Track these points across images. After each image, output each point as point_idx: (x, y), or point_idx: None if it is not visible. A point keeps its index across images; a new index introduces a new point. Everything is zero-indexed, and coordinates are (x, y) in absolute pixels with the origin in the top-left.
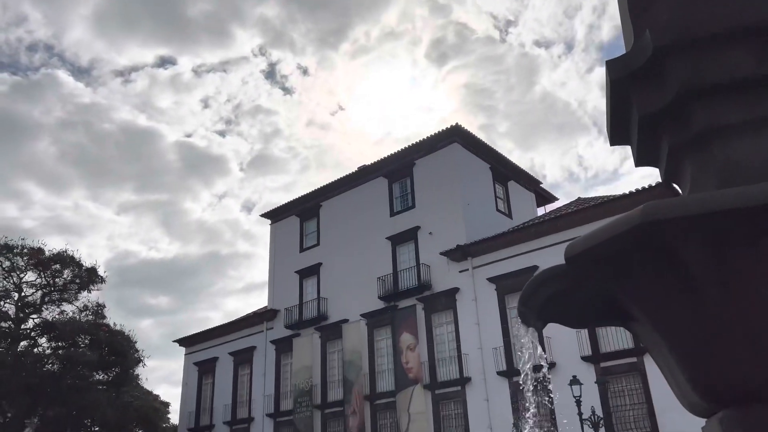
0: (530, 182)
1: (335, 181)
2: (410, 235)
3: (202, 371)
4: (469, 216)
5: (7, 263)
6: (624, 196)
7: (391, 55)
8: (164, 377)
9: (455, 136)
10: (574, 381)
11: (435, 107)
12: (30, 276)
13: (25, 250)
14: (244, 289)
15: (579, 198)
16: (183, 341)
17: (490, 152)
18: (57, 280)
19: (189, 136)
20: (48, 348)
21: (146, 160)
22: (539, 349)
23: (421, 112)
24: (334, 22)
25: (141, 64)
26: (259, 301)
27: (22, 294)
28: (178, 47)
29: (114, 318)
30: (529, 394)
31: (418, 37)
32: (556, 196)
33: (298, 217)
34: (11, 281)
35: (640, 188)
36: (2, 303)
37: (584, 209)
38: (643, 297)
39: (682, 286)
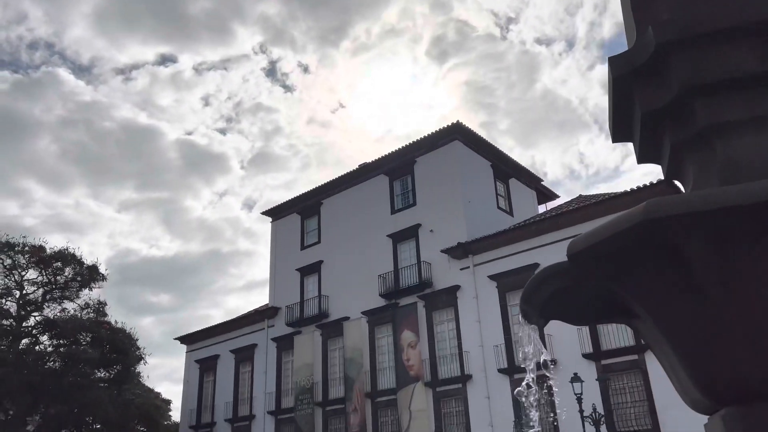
0: (531, 180)
1: (336, 178)
2: (411, 233)
3: (204, 369)
4: (470, 213)
5: (9, 261)
6: (625, 194)
7: (391, 52)
8: (165, 375)
9: (456, 133)
10: (576, 378)
11: (436, 105)
12: (31, 274)
13: (27, 248)
14: (245, 287)
15: (580, 195)
16: (184, 339)
17: (491, 150)
18: (58, 277)
19: (190, 134)
20: (49, 346)
21: (147, 158)
22: (541, 346)
23: (422, 109)
24: (334, 19)
25: (141, 62)
26: (260, 298)
27: (24, 292)
28: (179, 45)
29: (115, 316)
30: (532, 391)
31: (418, 35)
32: (557, 193)
33: (299, 214)
34: (13, 279)
35: (641, 186)
36: (4, 301)
37: (585, 207)
38: (646, 294)
39: (684, 284)
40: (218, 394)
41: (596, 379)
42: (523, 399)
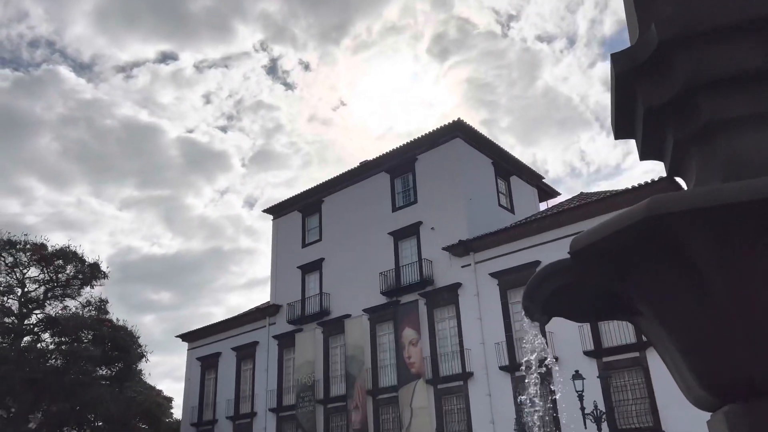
0: (532, 177)
1: (337, 176)
2: (412, 231)
3: (205, 366)
4: (471, 211)
5: (10, 259)
6: (626, 191)
7: (392, 50)
8: (167, 372)
9: (457, 131)
10: (577, 376)
11: (437, 102)
12: (33, 272)
13: (28, 246)
14: (247, 284)
15: (581, 193)
16: (186, 336)
17: (492, 147)
18: (60, 275)
19: (191, 131)
20: (51, 343)
21: (148, 156)
22: (543, 343)
23: (423, 107)
24: (335, 17)
25: (142, 60)
26: (262, 296)
27: (25, 290)
28: (180, 43)
29: (117, 313)
30: (533, 388)
31: (419, 32)
32: (559, 191)
33: (300, 212)
34: (14, 277)
35: (642, 183)
36: (5, 299)
37: (586, 204)
38: (648, 291)
39: (687, 280)
40: (220, 391)
41: (597, 377)
42: (525, 398)
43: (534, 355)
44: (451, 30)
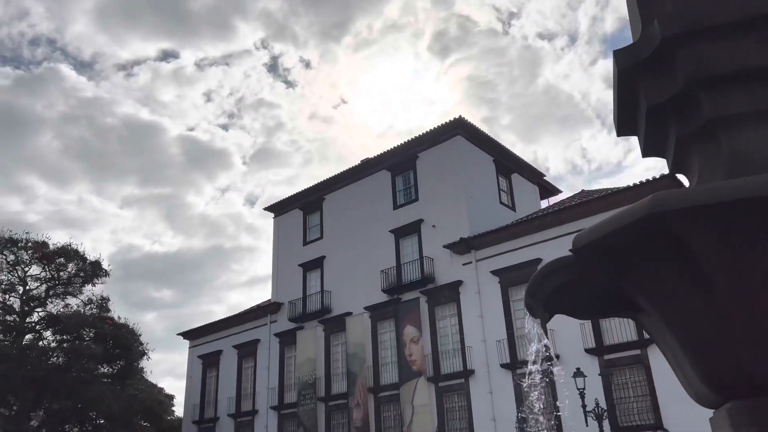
0: (534, 175)
1: (338, 174)
2: (413, 228)
3: (207, 364)
4: (472, 209)
5: (12, 257)
6: (628, 189)
7: (393, 47)
8: (168, 370)
9: (458, 128)
10: (578, 373)
11: (437, 100)
12: (34, 270)
13: (30, 244)
14: (248, 282)
15: (583, 190)
16: (187, 334)
17: (494, 145)
18: (61, 273)
19: (191, 129)
20: (53, 341)
21: (149, 154)
22: (545, 340)
23: (424, 105)
24: (336, 15)
25: (143, 58)
26: (263, 294)
27: (27, 287)
28: (181, 41)
29: (118, 311)
30: (536, 385)
31: (420, 30)
32: (560, 188)
33: (301, 210)
34: (16, 275)
35: (644, 180)
36: (7, 296)
37: (588, 201)
38: (651, 288)
39: (690, 277)
40: (221, 389)
41: (599, 374)
42: (526, 390)
43: (534, 347)
44: (452, 27)
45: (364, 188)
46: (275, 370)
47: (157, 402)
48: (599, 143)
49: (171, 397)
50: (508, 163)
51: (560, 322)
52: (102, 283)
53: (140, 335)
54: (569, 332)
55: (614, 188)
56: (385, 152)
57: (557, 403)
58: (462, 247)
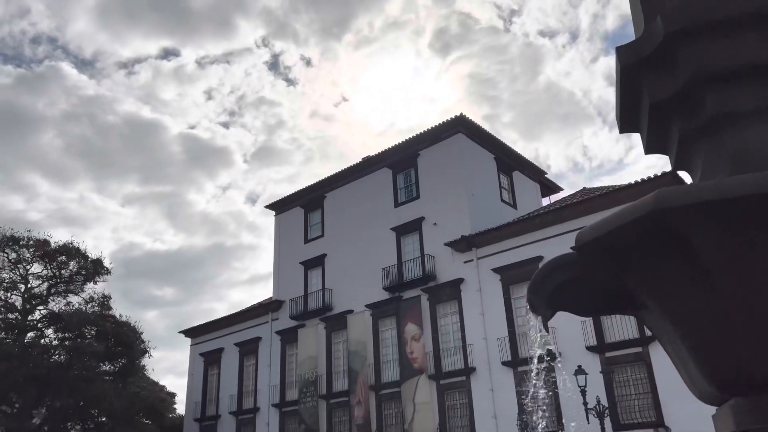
0: (535, 172)
1: (339, 172)
2: (415, 226)
3: (208, 362)
4: (473, 206)
5: (14, 255)
6: (629, 186)
7: (394, 45)
8: (170, 368)
9: (459, 126)
10: (579, 371)
11: (438, 98)
12: (36, 268)
13: (31, 242)
14: (249, 280)
15: (584, 188)
16: (189, 332)
17: (495, 142)
18: (63, 271)
19: (193, 127)
20: (55, 339)
21: (150, 152)
22: (547, 337)
23: (425, 102)
24: (337, 12)
25: (144, 56)
26: (264, 292)
27: (29, 285)
28: (182, 39)
29: (120, 309)
30: (537, 382)
31: (421, 27)
32: (561, 186)
33: (302, 208)
34: (18, 273)
35: (645, 178)
36: (9, 294)
37: (589, 199)
38: (654, 285)
39: (693, 274)
40: (223, 387)
41: (600, 372)
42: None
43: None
44: (453, 25)
45: (365, 186)
46: (277, 368)
47: (158, 400)
48: (600, 141)
49: (173, 395)
50: (509, 161)
51: (562, 319)
52: (103, 281)
53: (142, 333)
54: (570, 330)
55: (616, 186)
56: (386, 150)
57: (559, 400)
58: (463, 244)
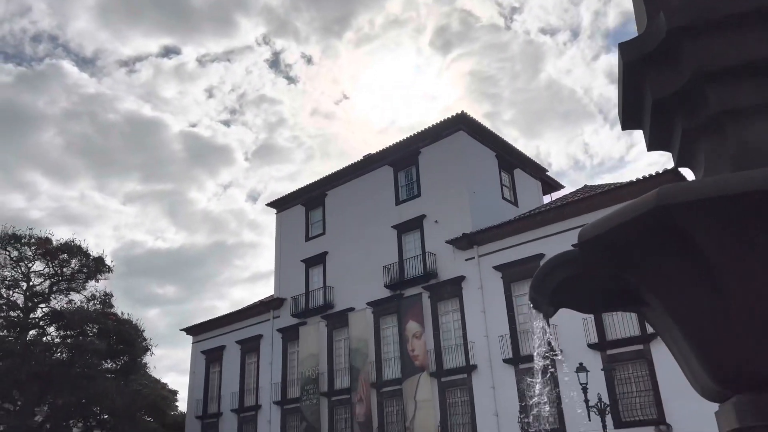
0: (536, 170)
1: (341, 170)
2: (416, 224)
3: (210, 360)
4: (474, 204)
5: (15, 253)
6: (631, 184)
7: (395, 43)
8: (172, 366)
9: (461, 124)
10: (581, 368)
11: (439, 95)
12: (38, 266)
13: (33, 240)
14: (250, 278)
15: (585, 186)
16: (190, 330)
17: (496, 140)
18: (65, 269)
19: (194, 125)
20: (57, 337)
21: (151, 150)
22: (549, 335)
23: (426, 100)
24: (337, 10)
25: (145, 54)
26: (265, 290)
27: (31, 283)
28: (182, 37)
29: (121, 307)
30: (539, 380)
31: (422, 25)
32: (562, 184)
33: (303, 206)
34: (19, 271)
35: (647, 175)
36: (11, 292)
37: (591, 197)
38: (656, 282)
39: (696, 271)
40: (224, 384)
41: (601, 369)
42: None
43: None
44: (454, 23)
45: (367, 184)
46: (278, 366)
47: (160, 397)
48: (602, 138)
49: (174, 393)
50: (510, 159)
51: (563, 317)
52: (105, 279)
53: (143, 331)
54: (572, 327)
55: (617, 183)
56: (387, 148)
57: (560, 397)
58: (464, 242)
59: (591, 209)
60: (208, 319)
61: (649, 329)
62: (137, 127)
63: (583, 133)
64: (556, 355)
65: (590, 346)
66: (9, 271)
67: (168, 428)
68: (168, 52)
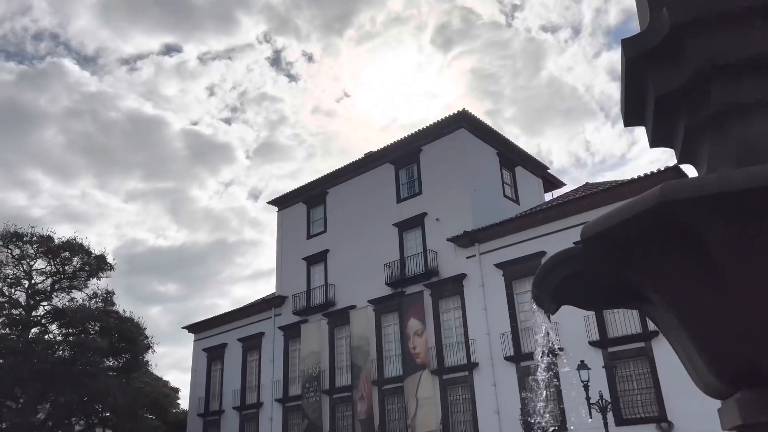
0: (537, 168)
1: (342, 167)
2: (417, 222)
3: (212, 357)
4: (476, 202)
5: (17, 251)
6: (632, 181)
7: (396, 40)
8: (173, 363)
9: (462, 121)
10: (582, 366)
11: (440, 93)
12: (40, 264)
13: (35, 239)
14: (252, 276)
15: (587, 183)
16: (192, 328)
17: (497, 138)
18: (66, 267)
19: (195, 124)
20: (59, 335)
21: (153, 148)
22: (551, 332)
23: (427, 98)
24: (338, 8)
25: (146, 52)
26: (267, 288)
27: (33, 281)
28: (184, 35)
29: (123, 305)
30: (541, 377)
31: (423, 23)
32: (564, 181)
33: (304, 204)
34: (21, 269)
35: (648, 173)
36: (13, 290)
37: (592, 194)
38: (660, 279)
39: (700, 267)
40: (226, 382)
41: (603, 367)
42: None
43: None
44: (455, 20)
45: (368, 182)
46: (280, 363)
47: (162, 395)
48: (603, 136)
49: (176, 390)
50: (511, 156)
51: (564, 314)
52: (107, 277)
53: (145, 329)
54: (573, 325)
55: (618, 181)
56: (388, 145)
57: (561, 395)
58: (466, 240)
59: (592, 207)
60: (209, 317)
61: (651, 327)
62: (138, 125)
63: (585, 131)
64: (557, 354)
65: (591, 343)
66: (11, 269)
67: (170, 426)
68: (169, 50)
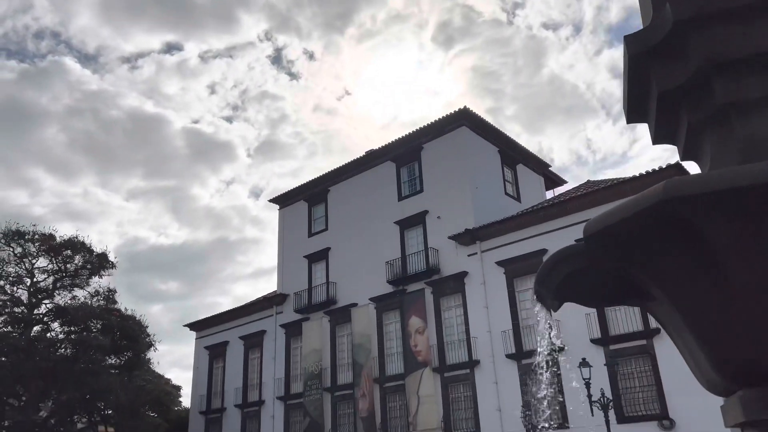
0: (539, 165)
1: (343, 165)
2: (418, 220)
3: (213, 355)
4: (477, 200)
5: (19, 249)
6: (634, 179)
7: (397, 38)
8: (175, 361)
9: (463, 119)
10: (584, 363)
11: (442, 91)
12: (42, 262)
13: (37, 237)
14: (253, 274)
15: (588, 181)
16: (194, 325)
17: (499, 136)
18: (68, 265)
19: (196, 122)
20: (61, 333)
21: (154, 147)
22: (553, 330)
23: (428, 96)
24: (339, 6)
25: (147, 51)
26: (268, 286)
27: (35, 279)
28: (185, 33)
29: (125, 303)
30: (544, 375)
31: (424, 21)
32: (565, 179)
33: (306, 202)
34: (23, 267)
35: (650, 170)
36: (15, 288)
37: (593, 192)
38: (663, 276)
39: (703, 264)
40: (228, 380)
41: (604, 364)
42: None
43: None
44: (456, 18)
45: (369, 180)
46: (281, 361)
47: (164, 393)
48: (604, 133)
49: (178, 388)
50: (513, 154)
51: (566, 312)
52: (108, 275)
53: (147, 327)
54: (575, 322)
55: (620, 178)
56: (389, 143)
57: (563, 393)
58: (467, 238)
59: (594, 204)
60: (211, 315)
61: (653, 324)
62: (140, 123)
63: (586, 129)
64: (558, 352)
65: (593, 341)
66: (13, 267)
67: (171, 424)
68: (170, 48)
